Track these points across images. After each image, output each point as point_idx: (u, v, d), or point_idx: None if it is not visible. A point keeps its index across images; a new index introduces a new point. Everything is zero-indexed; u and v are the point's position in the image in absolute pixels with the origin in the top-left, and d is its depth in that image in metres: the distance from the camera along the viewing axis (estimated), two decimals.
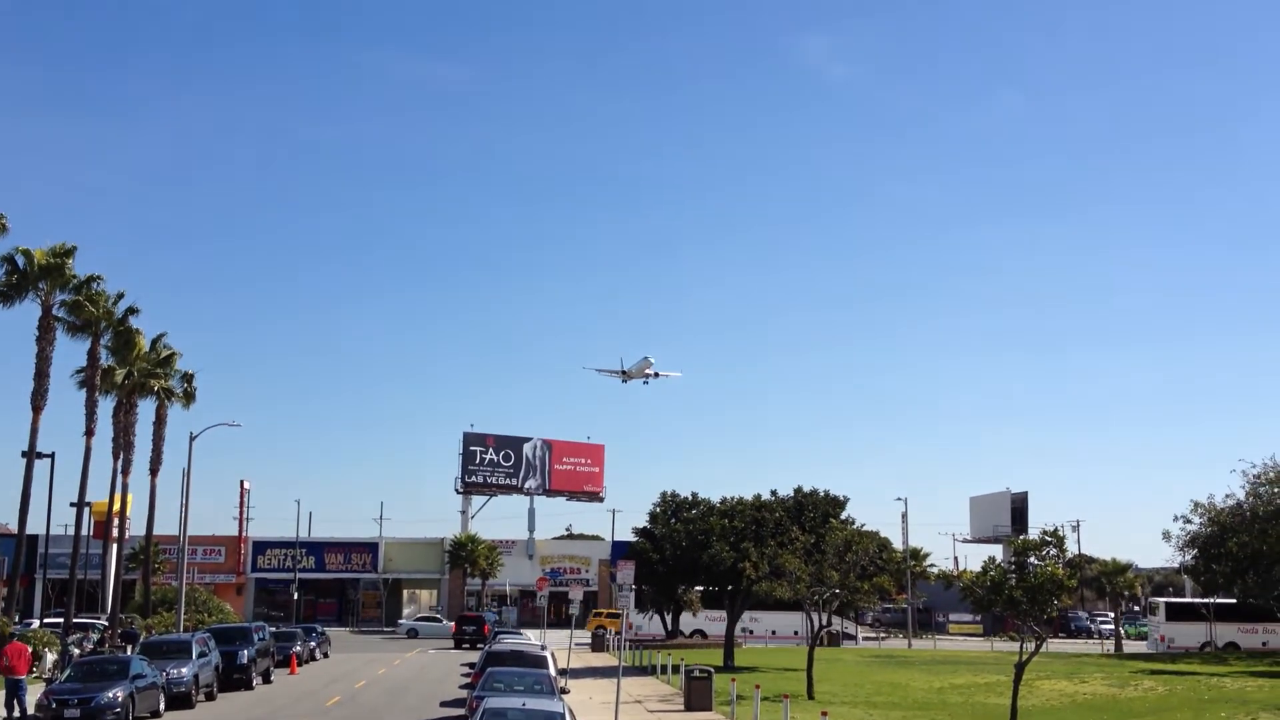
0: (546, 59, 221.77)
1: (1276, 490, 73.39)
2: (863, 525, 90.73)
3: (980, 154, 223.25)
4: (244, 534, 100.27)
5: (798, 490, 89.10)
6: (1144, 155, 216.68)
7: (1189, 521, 72.66)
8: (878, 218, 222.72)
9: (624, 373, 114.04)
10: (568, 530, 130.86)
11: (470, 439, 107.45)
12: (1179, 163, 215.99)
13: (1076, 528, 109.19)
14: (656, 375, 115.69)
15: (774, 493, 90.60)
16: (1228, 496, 73.12)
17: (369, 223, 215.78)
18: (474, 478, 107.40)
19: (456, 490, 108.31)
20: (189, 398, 65.89)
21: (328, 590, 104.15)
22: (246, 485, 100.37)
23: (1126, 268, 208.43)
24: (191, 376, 66.27)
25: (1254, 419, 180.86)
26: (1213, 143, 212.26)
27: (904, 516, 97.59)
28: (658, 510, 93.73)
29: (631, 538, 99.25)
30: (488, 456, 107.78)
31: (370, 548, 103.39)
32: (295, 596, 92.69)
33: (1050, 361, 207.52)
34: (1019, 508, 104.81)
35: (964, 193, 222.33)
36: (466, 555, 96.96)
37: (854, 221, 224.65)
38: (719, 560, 64.49)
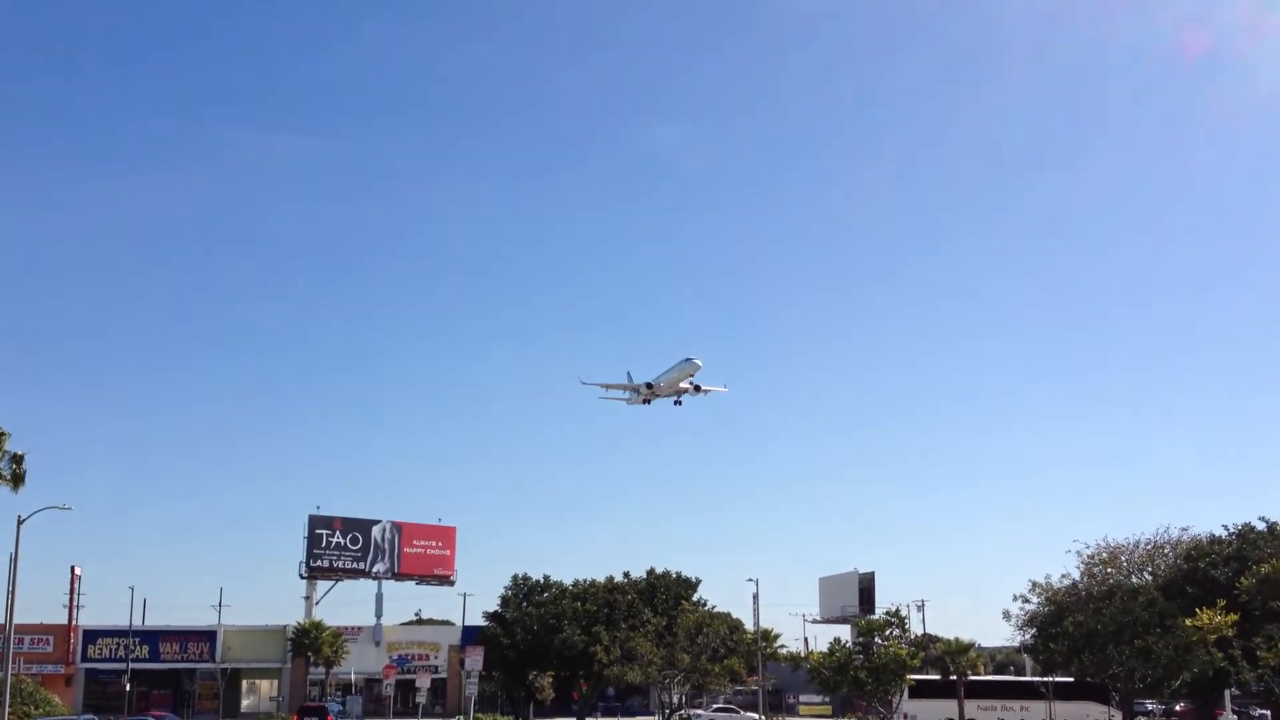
0: (396, 138, 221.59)
1: (1109, 571, 76.41)
2: (714, 607, 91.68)
3: (824, 232, 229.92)
4: (74, 622, 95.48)
5: (650, 572, 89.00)
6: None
7: (1028, 601, 75.06)
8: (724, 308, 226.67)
9: (648, 388, 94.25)
10: (417, 615, 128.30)
11: (316, 521, 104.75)
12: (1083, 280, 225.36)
13: (921, 607, 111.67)
14: (699, 390, 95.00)
15: (626, 574, 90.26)
16: (1064, 577, 75.86)
17: (208, 296, 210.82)
18: (319, 562, 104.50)
19: (301, 575, 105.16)
20: (18, 480, 62.68)
21: (162, 681, 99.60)
22: (77, 571, 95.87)
23: (969, 355, 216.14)
24: (21, 458, 63.15)
25: (1091, 499, 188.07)
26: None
27: (755, 598, 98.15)
28: (509, 593, 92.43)
29: (483, 622, 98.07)
30: (334, 539, 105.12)
31: (208, 636, 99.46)
32: (128, 688, 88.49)
33: (899, 442, 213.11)
34: (866, 588, 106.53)
35: (801, 266, 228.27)
36: (310, 643, 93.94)
37: (693, 312, 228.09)
38: (570, 644, 63.90)
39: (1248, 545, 71.55)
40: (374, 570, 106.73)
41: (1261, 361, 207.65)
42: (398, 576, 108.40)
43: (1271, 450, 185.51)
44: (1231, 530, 75.63)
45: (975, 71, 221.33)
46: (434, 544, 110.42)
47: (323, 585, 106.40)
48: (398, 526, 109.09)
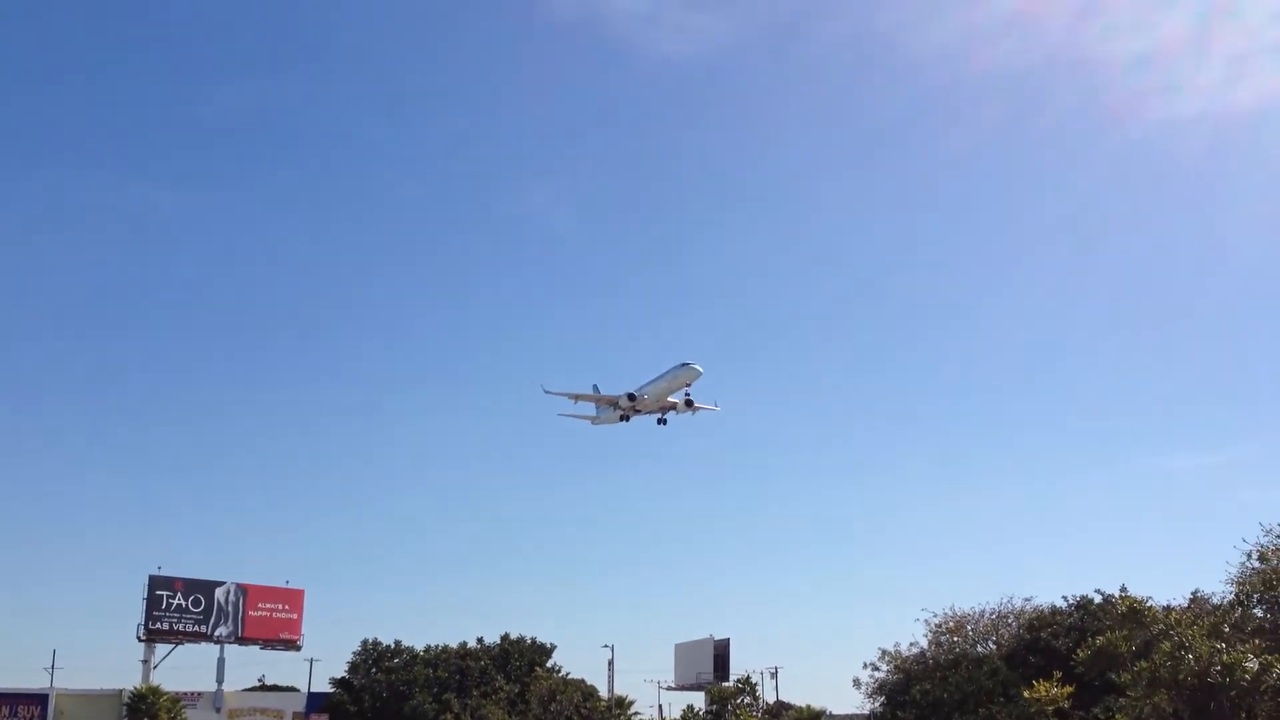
0: (259, 185, 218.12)
1: (956, 639, 78.12)
2: (568, 674, 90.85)
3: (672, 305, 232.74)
4: None
5: (504, 638, 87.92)
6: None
7: (878, 669, 76.25)
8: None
9: (629, 400, 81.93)
10: (261, 681, 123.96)
11: (156, 583, 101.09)
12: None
13: (775, 674, 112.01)
14: (691, 406, 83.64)
15: (480, 640, 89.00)
16: (913, 645, 77.32)
17: (47, 339, 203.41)
18: (159, 624, 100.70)
19: (139, 638, 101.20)
20: None
21: None
22: None
23: (822, 428, 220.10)
24: None
25: (941, 568, 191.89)
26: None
27: (610, 664, 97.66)
28: (358, 659, 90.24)
29: (330, 689, 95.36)
30: (175, 601, 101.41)
31: (39, 700, 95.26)
32: None
33: (755, 510, 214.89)
34: (721, 655, 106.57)
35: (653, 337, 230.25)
36: (147, 708, 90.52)
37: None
38: (421, 712, 62.62)
39: (1088, 616, 73.87)
40: (217, 634, 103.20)
41: (1100, 438, 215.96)
42: (242, 640, 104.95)
43: (1107, 524, 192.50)
44: (1071, 601, 78.06)
45: (836, 142, 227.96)
46: (280, 607, 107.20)
47: (162, 648, 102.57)
48: (243, 589, 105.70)
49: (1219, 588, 59.41)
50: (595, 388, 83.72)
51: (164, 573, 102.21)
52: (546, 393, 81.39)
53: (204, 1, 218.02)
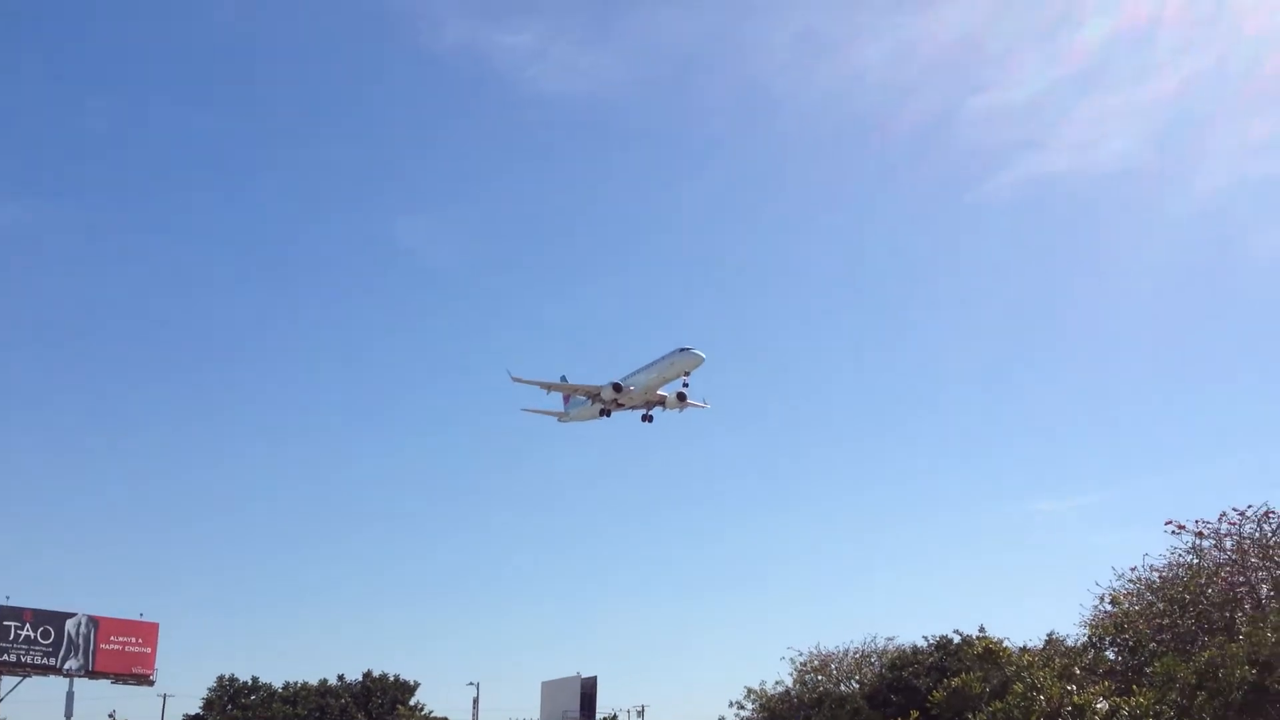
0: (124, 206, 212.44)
1: (820, 678, 78.90)
2: (432, 712, 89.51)
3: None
4: None
5: (366, 674, 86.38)
6: None
7: (743, 708, 76.54)
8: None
9: (615, 390, 73.27)
10: (111, 716, 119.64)
11: (3, 613, 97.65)
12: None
13: (641, 713, 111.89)
14: (683, 401, 75.42)
15: (341, 677, 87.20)
16: (778, 683, 77.85)
17: None
18: (5, 656, 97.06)
19: None
20: None
21: None
22: None
23: (690, 468, 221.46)
24: None
25: (808, 605, 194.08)
26: None
27: (475, 702, 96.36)
28: (214, 695, 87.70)
29: None
30: (23, 633, 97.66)
31: None
32: None
33: (621, 547, 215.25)
34: (589, 693, 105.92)
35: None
36: None
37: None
38: None
39: (947, 656, 75.26)
40: (66, 667, 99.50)
41: (963, 482, 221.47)
42: (92, 674, 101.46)
43: (972, 566, 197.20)
44: (931, 641, 79.48)
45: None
46: (134, 640, 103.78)
47: (9, 680, 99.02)
48: (94, 620, 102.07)
49: (1073, 630, 61.00)
50: (563, 378, 76.54)
51: (11, 603, 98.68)
52: (514, 380, 74.24)
53: (68, 11, 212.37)
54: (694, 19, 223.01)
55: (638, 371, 73.13)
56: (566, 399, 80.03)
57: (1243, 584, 49.10)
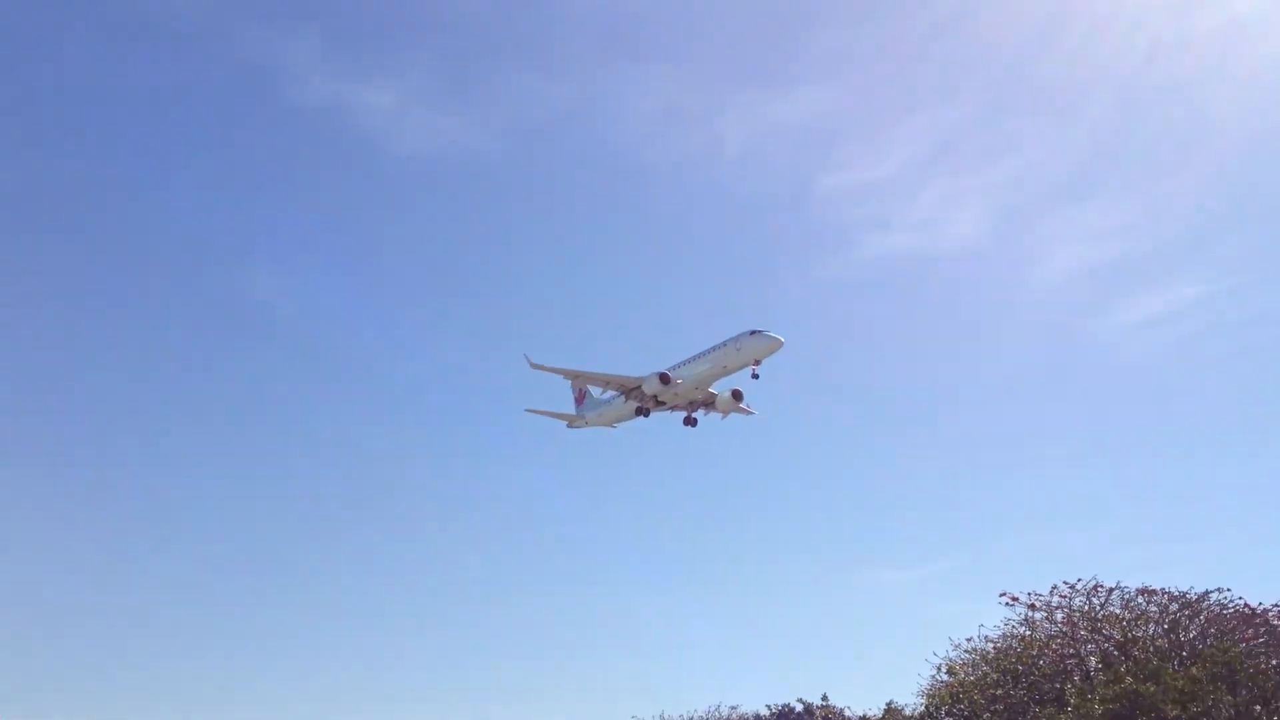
0: None
1: None
2: None
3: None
4: None
5: None
6: None
7: None
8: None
9: (661, 382, 60.48)
10: None
11: None
12: None
13: None
14: (737, 400, 62.82)
15: None
16: None
17: None
18: None
19: None
20: None
21: None
22: None
23: (539, 535, 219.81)
24: None
25: (656, 672, 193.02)
26: None
27: None
28: None
29: None
30: None
31: None
32: None
33: (473, 614, 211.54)
34: None
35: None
36: None
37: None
38: None
39: None
40: None
41: (812, 552, 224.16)
42: None
43: (818, 635, 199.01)
44: (773, 710, 79.76)
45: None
46: None
47: None
48: None
49: (912, 699, 61.81)
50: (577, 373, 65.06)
51: None
52: (534, 366, 65.27)
53: None
54: (557, 86, 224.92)
55: (694, 358, 61.59)
56: (581, 399, 69.61)
57: (1073, 656, 50.46)
